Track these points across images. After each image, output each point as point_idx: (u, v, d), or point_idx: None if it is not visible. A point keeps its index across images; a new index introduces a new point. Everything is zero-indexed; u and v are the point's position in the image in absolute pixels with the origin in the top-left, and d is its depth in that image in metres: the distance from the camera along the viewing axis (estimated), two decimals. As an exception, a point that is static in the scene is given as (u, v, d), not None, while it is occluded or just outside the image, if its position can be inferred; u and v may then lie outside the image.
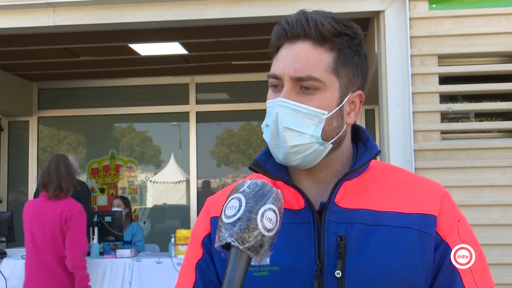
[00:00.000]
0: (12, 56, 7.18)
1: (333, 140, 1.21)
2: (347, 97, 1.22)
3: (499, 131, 4.66)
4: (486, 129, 4.73)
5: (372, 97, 6.32)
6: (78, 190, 5.22)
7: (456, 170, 4.38)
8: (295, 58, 1.19)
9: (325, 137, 1.20)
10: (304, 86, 1.18)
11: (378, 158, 1.30)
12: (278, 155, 1.21)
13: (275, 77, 1.21)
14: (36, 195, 5.60)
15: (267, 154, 1.28)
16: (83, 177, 8.59)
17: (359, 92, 1.26)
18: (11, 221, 6.54)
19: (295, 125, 1.18)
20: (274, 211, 1.06)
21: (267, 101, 1.23)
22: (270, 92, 1.23)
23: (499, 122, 4.76)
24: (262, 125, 1.24)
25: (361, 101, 1.26)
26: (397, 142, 4.44)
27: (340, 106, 1.21)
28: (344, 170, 1.25)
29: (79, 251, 4.57)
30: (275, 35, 1.24)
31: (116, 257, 6.27)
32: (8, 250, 6.52)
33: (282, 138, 1.18)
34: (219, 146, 8.55)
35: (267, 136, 1.22)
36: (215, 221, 1.25)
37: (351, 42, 1.21)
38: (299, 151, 1.19)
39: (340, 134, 1.23)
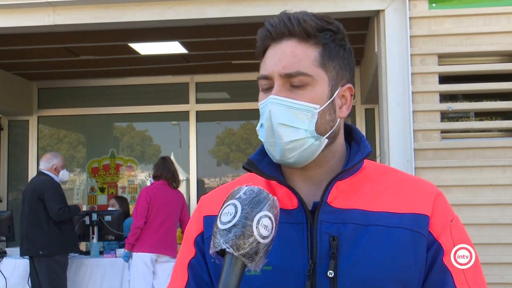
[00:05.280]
0: (12, 55, 7.18)
1: (327, 134, 1.22)
2: (337, 91, 1.24)
3: (499, 130, 4.66)
4: (486, 128, 4.72)
5: (372, 97, 6.32)
6: (42, 187, 5.96)
7: (456, 170, 4.38)
8: (282, 56, 1.20)
9: (319, 131, 1.20)
10: (294, 82, 1.20)
11: (379, 158, 1.31)
12: (275, 153, 1.22)
13: (265, 77, 1.22)
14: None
15: (261, 154, 1.29)
16: (83, 176, 8.59)
17: (349, 85, 1.27)
18: (11, 220, 6.53)
19: (289, 121, 1.19)
20: (270, 218, 1.05)
21: (259, 103, 1.24)
22: (261, 94, 1.24)
23: (499, 121, 4.76)
24: (257, 127, 1.25)
25: (351, 95, 1.27)
26: (397, 142, 4.44)
27: (331, 99, 1.22)
28: (337, 169, 1.25)
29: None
30: (260, 38, 1.25)
31: (116, 257, 6.28)
32: (8, 250, 6.52)
33: (277, 135, 1.19)
34: (219, 146, 8.55)
35: (262, 135, 1.23)
36: (208, 220, 1.27)
37: (335, 37, 1.23)
38: (296, 147, 1.20)
39: (334, 128, 1.23)
